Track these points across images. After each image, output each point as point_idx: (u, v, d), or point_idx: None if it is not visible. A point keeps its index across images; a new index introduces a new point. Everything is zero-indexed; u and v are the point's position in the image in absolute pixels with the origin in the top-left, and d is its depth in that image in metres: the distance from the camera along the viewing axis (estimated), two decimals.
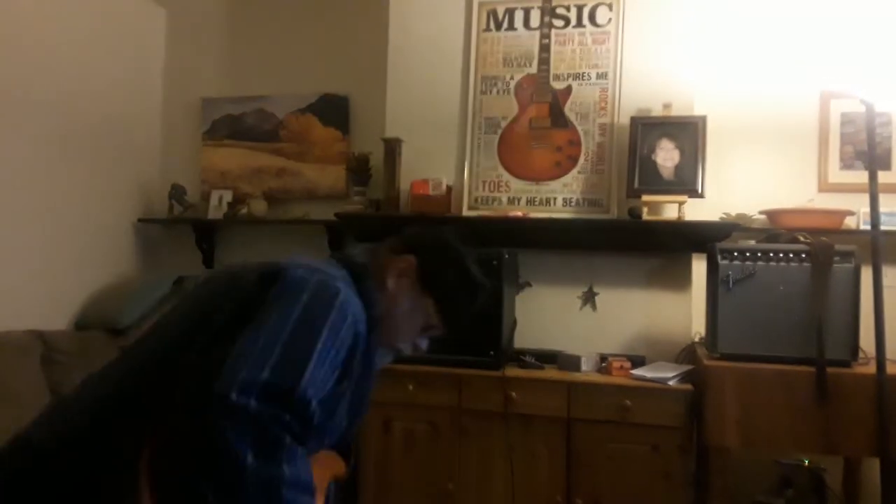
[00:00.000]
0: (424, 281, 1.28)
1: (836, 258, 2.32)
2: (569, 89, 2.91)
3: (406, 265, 1.28)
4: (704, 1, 2.91)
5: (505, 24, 2.99)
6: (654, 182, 2.70)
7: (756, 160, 2.93)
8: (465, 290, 1.32)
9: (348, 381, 1.12)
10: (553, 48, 2.93)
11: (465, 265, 1.32)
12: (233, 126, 3.62)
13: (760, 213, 2.81)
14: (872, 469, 2.51)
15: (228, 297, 1.12)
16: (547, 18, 2.94)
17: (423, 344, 1.34)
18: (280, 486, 0.93)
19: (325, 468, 1.19)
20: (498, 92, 2.98)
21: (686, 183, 2.68)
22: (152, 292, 3.15)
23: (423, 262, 1.29)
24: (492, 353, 2.59)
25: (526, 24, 2.97)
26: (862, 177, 2.45)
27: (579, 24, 2.91)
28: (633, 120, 2.76)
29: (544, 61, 2.92)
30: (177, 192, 3.51)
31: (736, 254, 2.39)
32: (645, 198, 2.68)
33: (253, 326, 1.03)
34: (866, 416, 2.22)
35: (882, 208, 2.33)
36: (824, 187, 2.87)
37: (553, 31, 2.93)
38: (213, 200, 3.50)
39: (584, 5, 2.91)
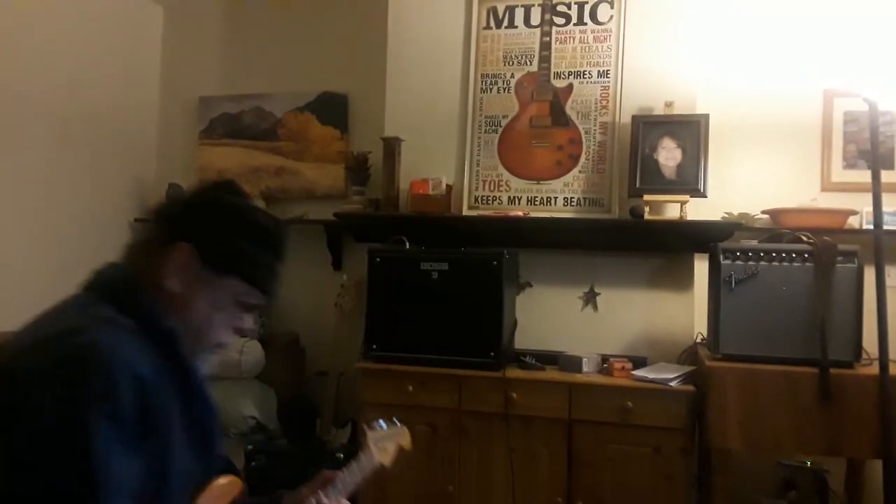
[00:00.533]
0: (213, 262, 1.06)
1: (839, 258, 2.31)
2: (570, 87, 2.88)
3: (182, 255, 1.05)
4: None
5: (505, 22, 2.97)
6: (656, 181, 2.68)
7: (759, 159, 2.91)
8: (263, 247, 1.10)
9: (163, 431, 0.95)
10: (554, 46, 2.90)
11: (247, 220, 1.10)
12: (230, 125, 3.60)
13: (763, 212, 2.80)
14: (875, 471, 2.49)
15: None
16: (548, 16, 2.92)
17: (248, 323, 1.15)
18: None
19: (218, 500, 1.10)
20: (498, 90, 2.95)
21: (688, 182, 2.66)
22: None
23: (202, 243, 1.06)
24: (492, 353, 2.56)
25: (527, 21, 2.94)
26: (865, 176, 2.43)
27: (580, 21, 2.89)
28: (635, 118, 2.74)
29: (545, 59, 2.90)
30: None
31: (738, 254, 2.37)
32: (647, 197, 2.66)
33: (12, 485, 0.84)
34: (869, 417, 2.21)
35: (885, 208, 2.33)
36: (827, 186, 2.85)
37: (554, 29, 2.91)
38: None
39: (586, 3, 2.88)
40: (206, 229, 1.07)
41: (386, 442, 1.50)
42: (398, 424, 1.56)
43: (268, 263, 1.11)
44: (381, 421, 1.53)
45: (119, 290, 1.04)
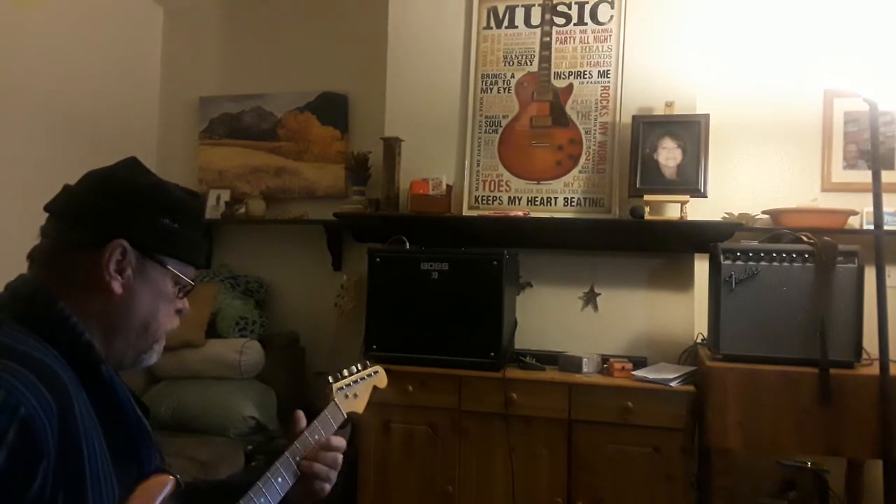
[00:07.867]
0: (149, 250, 1.01)
1: (840, 258, 2.31)
2: (570, 87, 2.89)
3: (118, 252, 0.97)
4: None
5: (506, 22, 2.97)
6: (656, 181, 2.68)
7: (759, 159, 2.91)
8: (189, 221, 1.06)
9: (74, 473, 0.83)
10: (554, 46, 2.90)
11: (168, 197, 1.05)
12: (230, 125, 3.60)
13: (763, 212, 2.80)
14: (875, 471, 2.50)
15: None
16: (548, 16, 2.92)
17: (186, 304, 1.10)
18: None
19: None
20: (498, 90, 2.95)
21: (688, 182, 2.66)
22: None
23: (134, 234, 0.99)
24: (492, 354, 2.56)
25: (527, 21, 2.94)
26: (865, 176, 2.43)
27: (581, 21, 2.89)
28: (635, 118, 2.74)
29: (545, 59, 2.90)
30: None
31: (739, 254, 2.38)
32: (647, 197, 2.66)
33: None
34: (869, 417, 2.21)
35: (886, 208, 2.34)
36: (827, 187, 2.85)
37: (554, 29, 2.91)
38: (211, 200, 3.48)
39: (586, 3, 2.88)
40: (133, 218, 1.00)
41: (356, 388, 1.40)
42: (368, 366, 1.47)
43: (196, 236, 1.08)
44: (350, 367, 1.43)
45: (28, 308, 0.94)
